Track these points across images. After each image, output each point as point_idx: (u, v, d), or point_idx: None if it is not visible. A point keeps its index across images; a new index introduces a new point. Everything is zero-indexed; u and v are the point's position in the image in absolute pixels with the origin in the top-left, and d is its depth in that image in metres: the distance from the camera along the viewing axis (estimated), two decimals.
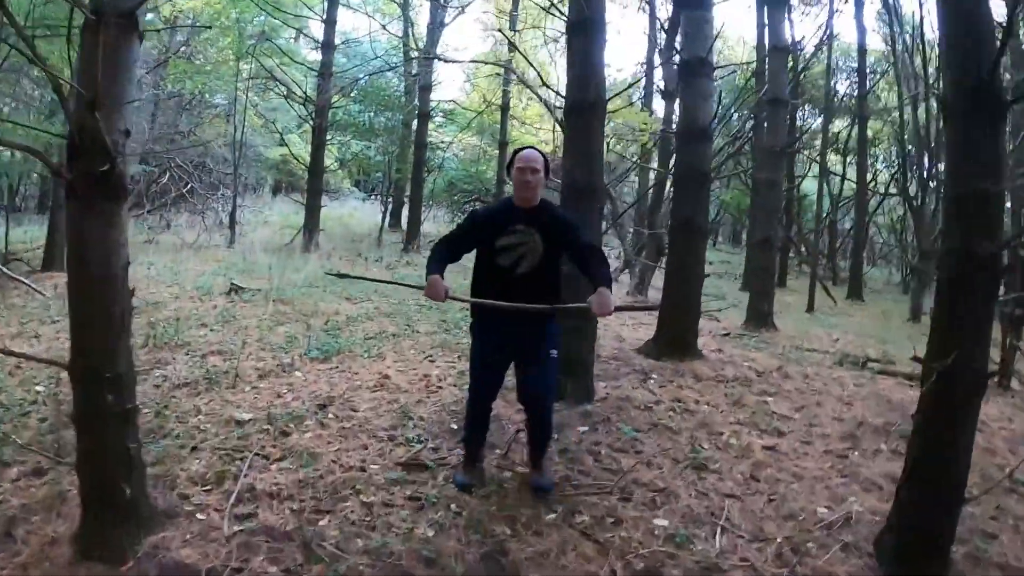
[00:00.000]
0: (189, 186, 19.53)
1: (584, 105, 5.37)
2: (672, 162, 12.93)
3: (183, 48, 22.15)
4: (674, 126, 11.31)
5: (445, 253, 3.98)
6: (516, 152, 4.01)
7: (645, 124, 8.10)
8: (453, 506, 3.82)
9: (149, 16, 26.42)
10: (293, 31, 22.21)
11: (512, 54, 15.17)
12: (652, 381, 6.48)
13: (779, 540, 3.74)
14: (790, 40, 12.32)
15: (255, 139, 25.11)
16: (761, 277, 11.30)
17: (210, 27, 17.46)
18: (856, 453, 5.09)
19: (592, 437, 4.97)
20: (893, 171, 24.11)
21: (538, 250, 3.89)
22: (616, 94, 6.06)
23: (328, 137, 18.62)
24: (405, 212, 21.76)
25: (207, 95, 24.31)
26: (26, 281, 9.07)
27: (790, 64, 12.38)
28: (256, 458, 4.23)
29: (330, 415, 5.02)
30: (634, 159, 14.98)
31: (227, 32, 18.22)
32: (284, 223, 19.35)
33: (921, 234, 16.67)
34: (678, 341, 7.48)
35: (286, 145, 20.36)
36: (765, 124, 12.27)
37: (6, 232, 12.50)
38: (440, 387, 5.84)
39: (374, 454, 4.41)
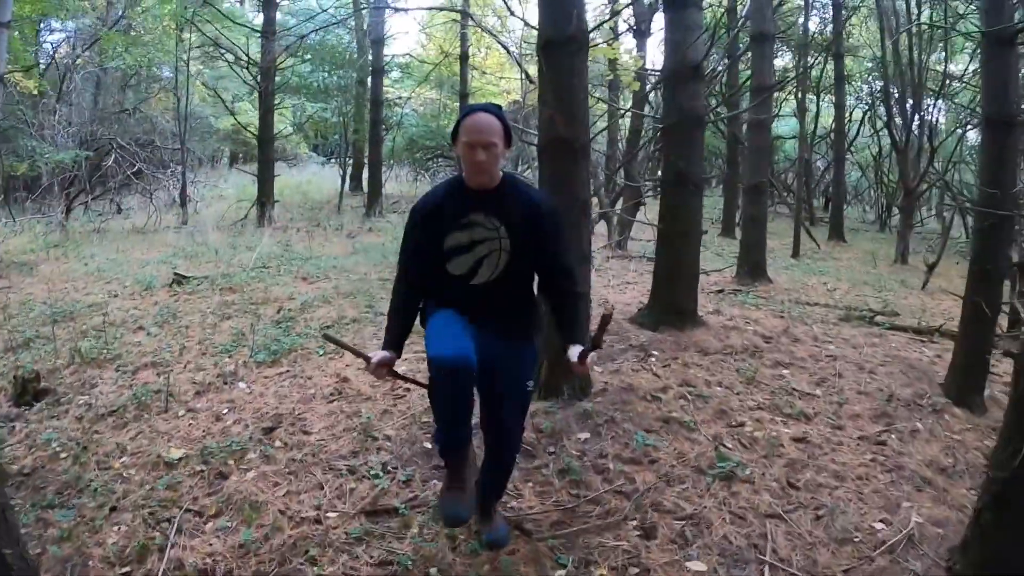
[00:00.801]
0: (136, 167, 18.26)
1: (563, 40, 4.42)
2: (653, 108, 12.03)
3: (122, 21, 21.00)
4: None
5: (403, 294, 2.92)
6: (463, 115, 2.78)
7: (628, 64, 6.84)
8: (434, 571, 3.00)
9: None
10: None
11: None
12: (654, 359, 5.70)
13: None
14: None
15: (204, 110, 24.12)
16: (753, 226, 10.43)
17: None
18: (893, 437, 4.50)
19: (596, 446, 4.15)
20: (866, 109, 23.41)
21: (503, 248, 2.80)
22: (593, 27, 5.09)
23: (278, 101, 17.72)
24: (366, 174, 20.74)
25: (151, 68, 23.24)
26: None
27: None
28: (187, 516, 3.37)
29: (277, 443, 4.15)
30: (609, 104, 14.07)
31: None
32: (240, 196, 18.23)
33: (906, 173, 16.06)
34: (676, 308, 6.69)
35: (232, 114, 19.20)
36: (748, 61, 11.30)
37: None
38: (408, 389, 4.94)
39: (332, 496, 3.56)
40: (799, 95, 19.20)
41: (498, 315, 2.88)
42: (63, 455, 4.10)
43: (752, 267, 10.07)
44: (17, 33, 14.67)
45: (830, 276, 11.72)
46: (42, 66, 19.46)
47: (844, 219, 19.34)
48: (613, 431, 4.32)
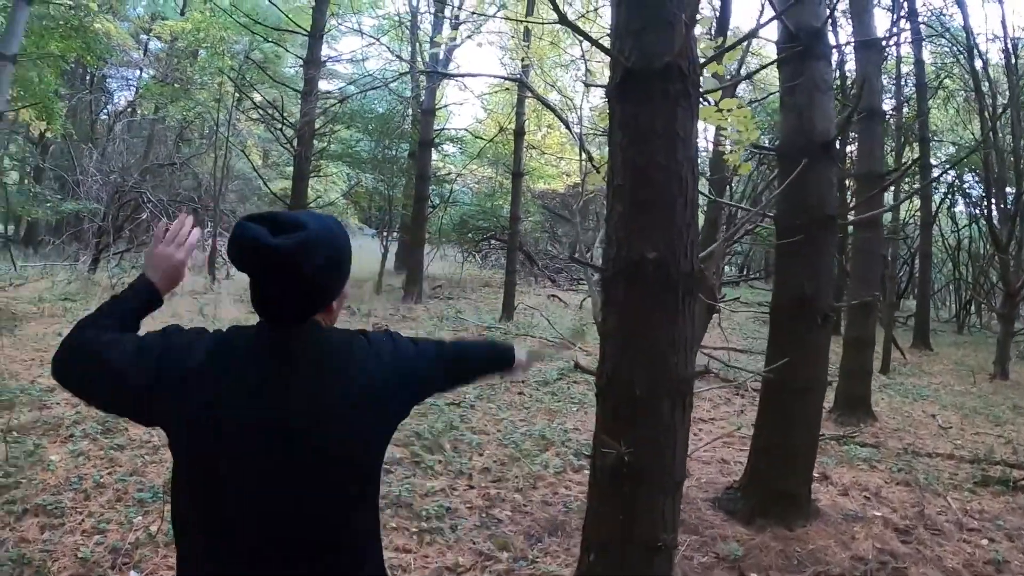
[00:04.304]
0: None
1: (655, 71, 2.54)
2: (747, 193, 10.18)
3: (175, 72, 20.78)
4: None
5: None
6: (344, 237, 1.59)
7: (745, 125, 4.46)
8: None
9: (155, 44, 25.45)
10: (295, 58, 20.85)
11: (524, 52, 12.52)
12: None
13: None
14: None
15: (251, 170, 23.59)
16: (857, 352, 8.44)
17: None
18: None
19: None
20: (943, 197, 21.67)
21: None
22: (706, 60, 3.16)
23: (321, 168, 16.73)
24: None
25: (203, 124, 23.00)
26: None
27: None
28: None
29: None
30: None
31: (216, 54, 16.78)
32: None
33: (1007, 274, 14.31)
34: (782, 493, 4.78)
35: (262, 180, 18.38)
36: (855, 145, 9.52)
37: None
38: None
39: None
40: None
41: None
42: None
43: (854, 401, 8.17)
44: (34, 74, 13.84)
45: (932, 401, 10.14)
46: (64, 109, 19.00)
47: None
48: None
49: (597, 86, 5.40)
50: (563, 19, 2.79)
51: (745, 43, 6.91)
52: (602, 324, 2.69)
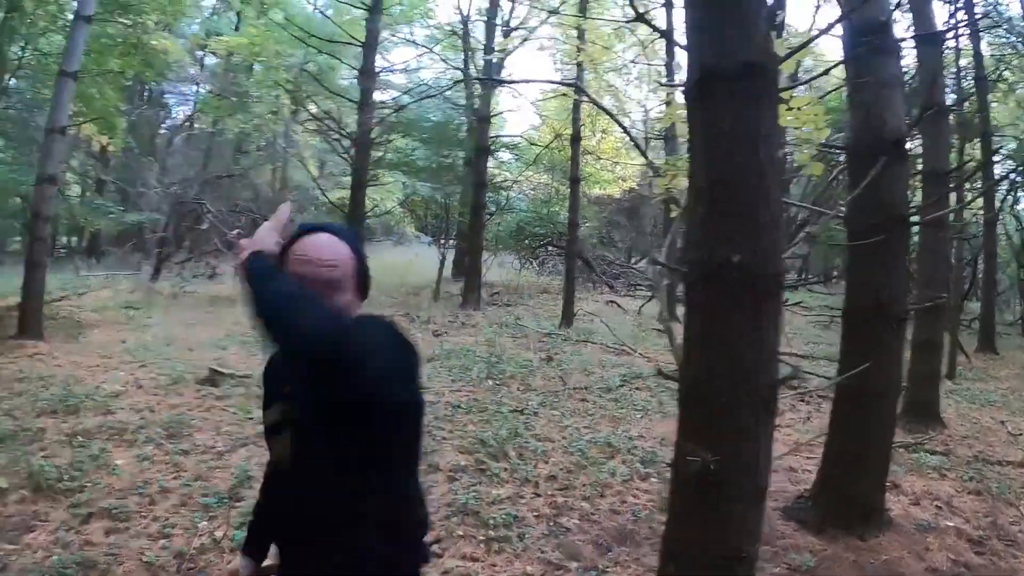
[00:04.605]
0: (227, 233, 17.82)
1: (734, 71, 2.46)
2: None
3: (231, 86, 21.32)
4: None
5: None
6: (296, 235, 1.77)
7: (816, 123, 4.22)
8: None
9: (210, 60, 26.11)
10: (350, 69, 21.12)
11: (581, 57, 12.40)
12: None
13: None
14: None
15: (310, 181, 24.03)
16: (924, 356, 8.14)
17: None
18: None
19: None
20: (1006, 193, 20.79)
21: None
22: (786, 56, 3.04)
23: (378, 176, 16.90)
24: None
25: (260, 137, 23.50)
26: None
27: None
28: None
29: None
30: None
31: (272, 68, 17.16)
32: None
33: None
34: (855, 502, 4.62)
35: (320, 189, 18.66)
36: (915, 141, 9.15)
37: None
38: None
39: None
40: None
41: (304, 531, 1.75)
42: None
43: (922, 407, 7.90)
44: (95, 90, 14.25)
45: (1001, 407, 9.74)
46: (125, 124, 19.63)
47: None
48: None
49: (674, 87, 5.31)
50: (640, 16, 2.75)
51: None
52: (685, 328, 2.59)
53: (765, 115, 2.43)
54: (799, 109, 4.07)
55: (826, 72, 6.27)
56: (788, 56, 3.04)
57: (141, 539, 3.91)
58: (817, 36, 3.42)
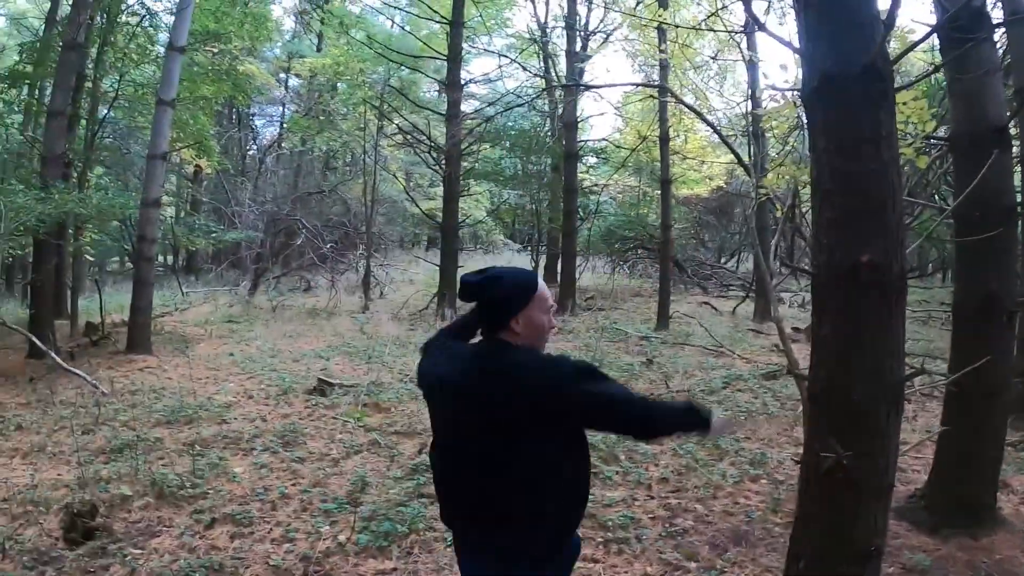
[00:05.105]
0: (322, 248, 18.15)
1: (854, 75, 2.51)
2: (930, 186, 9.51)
3: (317, 105, 21.80)
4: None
5: None
6: (527, 281, 2.20)
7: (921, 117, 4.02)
8: None
9: (294, 81, 26.84)
10: (431, 82, 21.37)
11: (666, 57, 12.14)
12: None
13: None
14: None
15: (400, 195, 24.31)
16: None
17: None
18: None
19: None
20: None
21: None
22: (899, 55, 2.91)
23: (469, 186, 16.97)
24: (559, 266, 19.20)
25: (348, 153, 23.97)
26: (83, 375, 7.62)
27: None
28: None
29: None
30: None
31: (355, 85, 17.48)
32: (429, 281, 17.50)
33: None
34: (967, 501, 4.44)
35: (413, 202, 18.83)
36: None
37: (100, 306, 11.33)
38: None
39: None
40: None
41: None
42: None
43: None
44: (187, 116, 14.73)
45: None
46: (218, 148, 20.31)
47: None
48: None
49: (789, 91, 5.12)
50: (755, 20, 2.65)
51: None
52: (815, 330, 2.65)
53: (885, 116, 2.48)
54: (904, 104, 4.01)
55: (937, 69, 5.93)
56: (900, 56, 2.99)
57: (265, 543, 3.99)
58: (927, 35, 3.25)
